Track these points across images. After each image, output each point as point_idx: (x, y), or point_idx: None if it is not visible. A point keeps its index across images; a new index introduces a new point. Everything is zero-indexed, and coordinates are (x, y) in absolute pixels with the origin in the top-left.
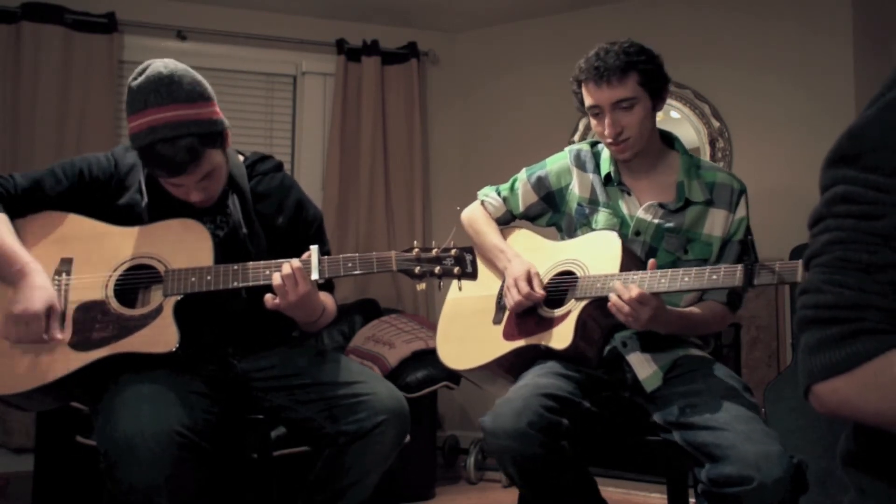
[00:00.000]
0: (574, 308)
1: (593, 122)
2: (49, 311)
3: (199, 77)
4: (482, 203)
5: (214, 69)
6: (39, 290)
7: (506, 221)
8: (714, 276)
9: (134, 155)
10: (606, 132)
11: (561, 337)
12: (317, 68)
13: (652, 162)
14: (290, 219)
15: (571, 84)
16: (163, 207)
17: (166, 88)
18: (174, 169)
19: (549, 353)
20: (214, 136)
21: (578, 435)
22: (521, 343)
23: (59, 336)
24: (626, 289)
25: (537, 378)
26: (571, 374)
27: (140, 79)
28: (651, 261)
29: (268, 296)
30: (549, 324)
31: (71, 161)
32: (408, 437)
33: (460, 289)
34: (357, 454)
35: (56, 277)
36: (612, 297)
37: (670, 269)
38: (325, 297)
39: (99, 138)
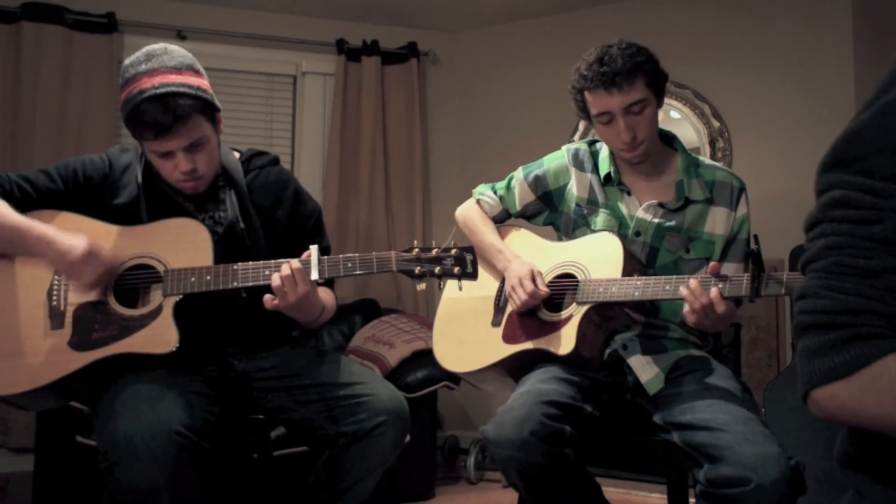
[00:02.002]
0: (576, 312)
1: (602, 129)
2: (90, 250)
3: (190, 55)
4: (478, 201)
5: (214, 69)
6: (69, 240)
7: (501, 220)
8: (720, 286)
9: (130, 155)
10: (622, 138)
11: (563, 341)
12: (317, 68)
13: (652, 162)
14: (289, 212)
15: (571, 91)
16: (160, 207)
17: (157, 58)
18: (161, 128)
19: (550, 357)
20: (203, 102)
21: (581, 440)
22: (521, 346)
23: (122, 257)
24: (707, 296)
25: (539, 384)
26: (573, 379)
27: (132, 57)
28: (713, 264)
29: (267, 296)
30: (551, 328)
31: (65, 162)
32: (408, 438)
33: (460, 289)
34: (357, 455)
35: (56, 277)
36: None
37: (675, 276)
38: (324, 293)
39: (99, 138)
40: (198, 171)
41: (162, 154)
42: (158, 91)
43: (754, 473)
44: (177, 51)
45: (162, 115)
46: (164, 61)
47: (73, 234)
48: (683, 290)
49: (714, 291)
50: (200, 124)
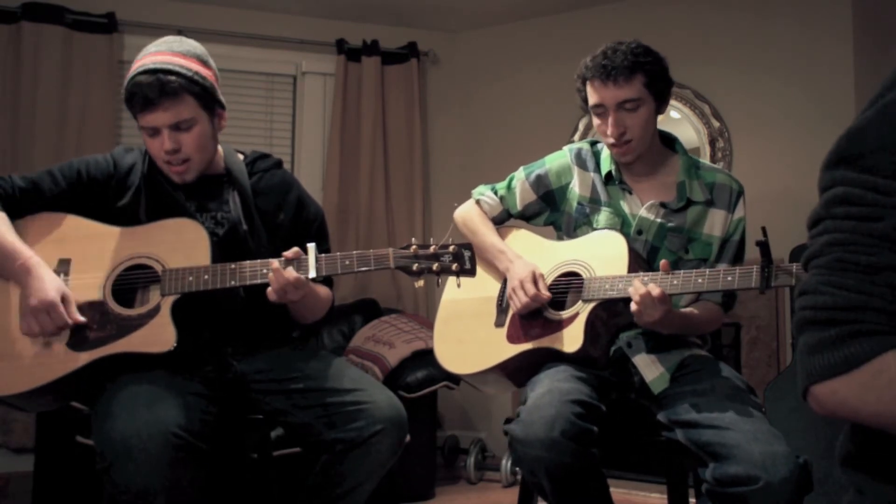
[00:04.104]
0: (582, 310)
1: (596, 121)
2: (63, 297)
3: (203, 49)
4: (477, 202)
5: None
6: (48, 280)
7: (501, 220)
8: (729, 278)
9: (133, 155)
10: (609, 132)
11: (571, 339)
12: (317, 68)
13: (652, 162)
14: (292, 216)
15: (576, 81)
16: (162, 206)
17: (167, 44)
18: (147, 100)
19: (558, 356)
20: (199, 87)
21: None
22: (527, 346)
23: (81, 318)
24: (645, 286)
25: (559, 383)
26: (586, 377)
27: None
28: (663, 261)
29: (269, 289)
30: (557, 326)
31: (69, 163)
32: (408, 438)
33: (459, 285)
34: (354, 462)
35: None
36: (632, 292)
37: (682, 271)
38: (321, 289)
39: (99, 138)
40: (182, 154)
41: (150, 132)
42: (154, 67)
43: (764, 472)
44: (191, 42)
45: (150, 87)
46: (174, 46)
47: (52, 280)
48: (630, 289)
49: (653, 287)
50: (191, 106)
